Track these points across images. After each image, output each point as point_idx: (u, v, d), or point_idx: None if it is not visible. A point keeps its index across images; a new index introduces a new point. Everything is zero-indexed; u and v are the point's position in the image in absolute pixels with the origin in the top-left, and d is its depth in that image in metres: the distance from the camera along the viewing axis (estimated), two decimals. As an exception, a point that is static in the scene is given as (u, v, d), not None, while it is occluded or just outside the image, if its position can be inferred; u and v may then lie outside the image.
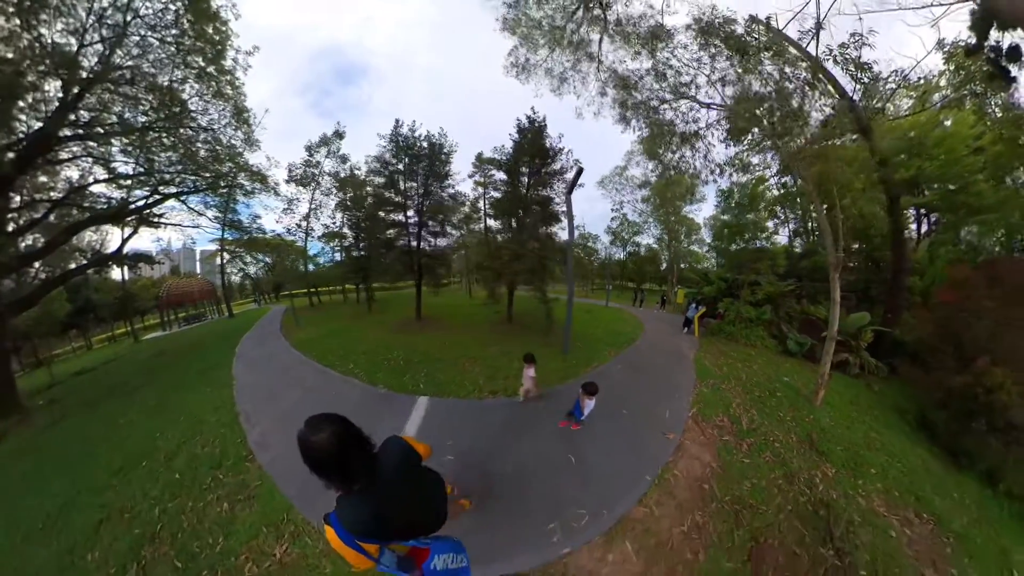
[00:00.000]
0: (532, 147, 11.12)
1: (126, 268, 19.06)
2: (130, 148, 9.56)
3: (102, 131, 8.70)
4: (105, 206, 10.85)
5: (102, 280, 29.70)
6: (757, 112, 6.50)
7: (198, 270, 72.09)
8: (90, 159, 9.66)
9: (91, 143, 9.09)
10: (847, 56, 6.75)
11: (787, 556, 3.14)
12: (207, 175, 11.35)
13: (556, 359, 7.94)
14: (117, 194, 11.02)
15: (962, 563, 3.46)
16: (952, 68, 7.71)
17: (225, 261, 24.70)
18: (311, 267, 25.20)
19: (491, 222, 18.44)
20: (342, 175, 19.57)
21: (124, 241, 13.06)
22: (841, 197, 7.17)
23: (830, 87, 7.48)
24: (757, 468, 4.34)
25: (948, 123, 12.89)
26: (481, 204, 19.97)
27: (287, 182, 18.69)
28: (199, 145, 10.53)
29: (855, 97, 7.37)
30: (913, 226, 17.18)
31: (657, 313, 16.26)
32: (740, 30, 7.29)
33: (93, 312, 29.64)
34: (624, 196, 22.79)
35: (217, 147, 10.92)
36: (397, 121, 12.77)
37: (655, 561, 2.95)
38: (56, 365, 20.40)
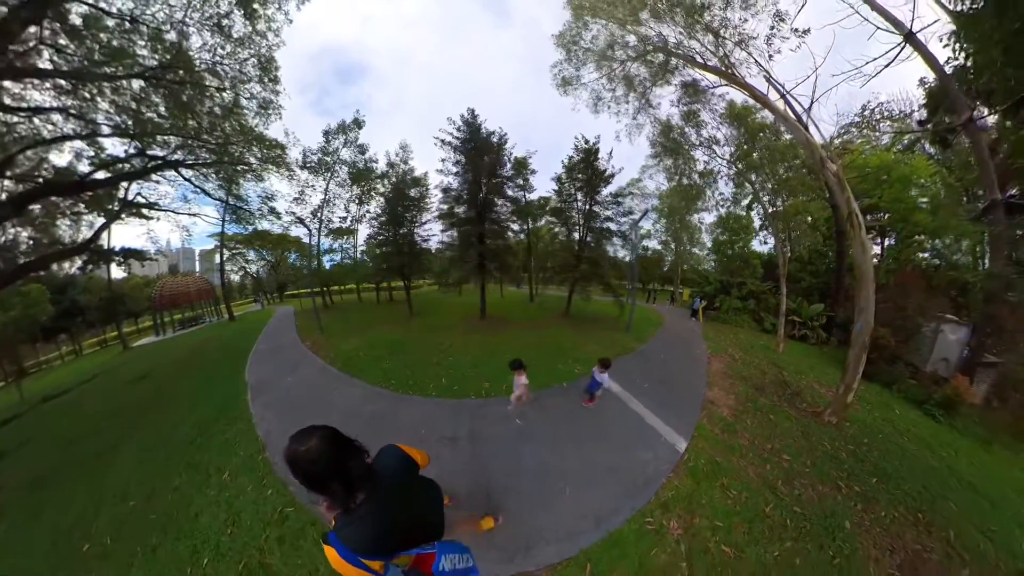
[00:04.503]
0: (587, 168, 12.96)
1: (114, 266, 16.03)
2: (112, 101, 7.65)
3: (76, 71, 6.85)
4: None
5: (87, 279, 26.35)
6: (753, 177, 10.62)
7: (197, 269, 68.87)
8: (66, 117, 7.69)
9: (64, 94, 7.30)
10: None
11: (771, 391, 7.08)
12: (211, 144, 9.49)
13: (626, 335, 11.24)
14: (101, 175, 9.19)
15: (867, 408, 7.01)
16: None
17: (225, 258, 22.95)
18: (327, 264, 23.21)
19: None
20: (359, 166, 18.45)
21: (99, 230, 10.81)
22: (791, 231, 11.47)
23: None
24: (747, 369, 8.39)
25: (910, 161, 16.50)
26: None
27: (301, 168, 16.82)
28: (204, 113, 8.81)
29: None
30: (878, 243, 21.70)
31: (668, 308, 20.22)
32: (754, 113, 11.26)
33: (81, 315, 26.93)
34: (636, 204, 25.42)
35: (226, 113, 9.18)
36: (472, 111, 12.59)
37: (728, 392, 6.80)
38: (39, 376, 19.01)
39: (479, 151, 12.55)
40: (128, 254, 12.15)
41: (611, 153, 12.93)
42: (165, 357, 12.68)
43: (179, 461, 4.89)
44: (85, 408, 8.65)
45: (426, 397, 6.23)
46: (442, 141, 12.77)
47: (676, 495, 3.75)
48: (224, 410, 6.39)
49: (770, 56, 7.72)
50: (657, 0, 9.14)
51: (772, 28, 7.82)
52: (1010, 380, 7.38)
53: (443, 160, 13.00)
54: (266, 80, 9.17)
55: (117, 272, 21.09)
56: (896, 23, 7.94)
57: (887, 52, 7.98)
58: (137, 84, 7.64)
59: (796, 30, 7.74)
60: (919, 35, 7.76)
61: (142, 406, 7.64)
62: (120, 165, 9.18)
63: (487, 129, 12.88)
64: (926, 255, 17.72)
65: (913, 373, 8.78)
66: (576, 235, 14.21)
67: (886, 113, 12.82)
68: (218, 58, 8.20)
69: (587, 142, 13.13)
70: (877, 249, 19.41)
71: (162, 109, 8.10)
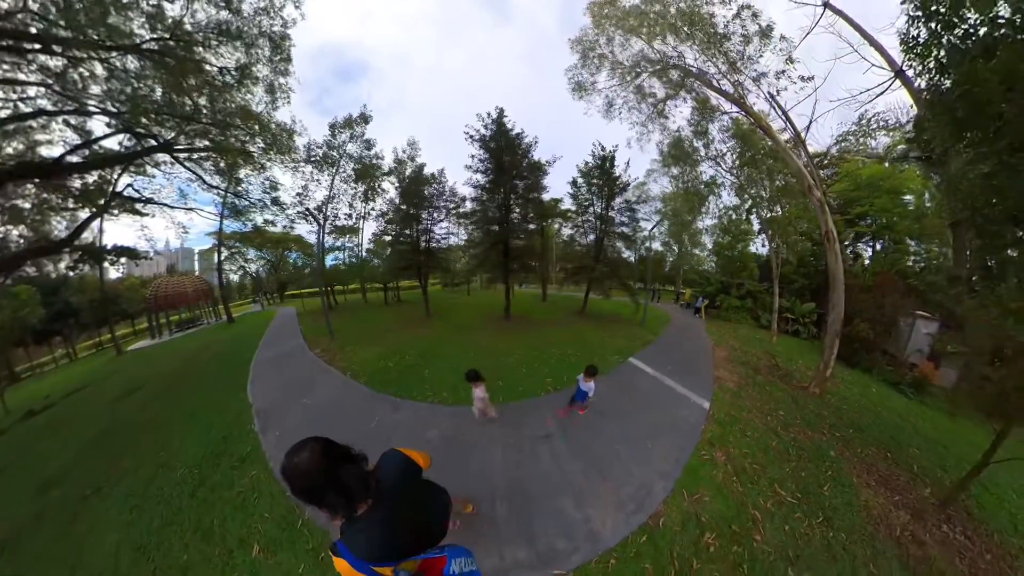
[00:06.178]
0: (603, 175, 13.72)
1: (109, 265, 15.21)
2: (107, 90, 7.01)
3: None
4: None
5: (79, 279, 25.17)
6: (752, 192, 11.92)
7: (196, 269, 65.79)
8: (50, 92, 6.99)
9: (52, 76, 6.67)
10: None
11: (766, 372, 8.43)
12: (210, 126, 8.73)
13: (641, 329, 12.52)
14: (82, 158, 8.41)
15: (847, 386, 8.50)
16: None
17: (223, 257, 22.18)
18: (328, 262, 22.59)
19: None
20: (365, 162, 18.21)
21: (83, 224, 9.89)
22: (784, 237, 12.86)
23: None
24: (745, 356, 9.72)
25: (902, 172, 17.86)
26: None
27: (305, 162, 16.16)
28: (204, 91, 8.08)
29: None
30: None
31: (673, 306, 21.63)
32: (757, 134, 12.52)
33: (74, 317, 25.91)
34: (644, 209, 24.52)
35: (227, 90, 8.37)
36: (500, 110, 12.56)
37: (732, 372, 8.09)
38: (30, 382, 18.22)
39: (506, 151, 12.65)
40: (121, 252, 11.88)
41: (628, 163, 13.85)
42: (160, 365, 11.59)
43: (180, 523, 3.70)
44: (70, 429, 7.58)
45: (498, 404, 5.47)
46: (471, 137, 12.65)
47: (713, 436, 5.00)
48: (228, 446, 5.07)
49: (777, 91, 8.92)
50: (680, 24, 10.24)
51: (783, 71, 8.98)
52: (975, 364, 8.79)
53: (472, 156, 12.89)
54: (276, 60, 8.46)
55: (113, 272, 21.22)
56: (890, 60, 9.21)
57: (880, 84, 9.28)
58: (132, 64, 6.93)
59: (802, 76, 8.96)
60: (908, 71, 9.04)
61: (131, 429, 6.57)
62: (107, 147, 8.17)
63: (514, 131, 12.95)
64: (913, 258, 19.34)
65: (891, 361, 10.20)
66: (591, 237, 15.07)
67: (883, 123, 14.13)
68: (223, 35, 7.44)
69: (603, 149, 13.83)
70: (868, 252, 21.09)
71: (158, 93, 7.36)
